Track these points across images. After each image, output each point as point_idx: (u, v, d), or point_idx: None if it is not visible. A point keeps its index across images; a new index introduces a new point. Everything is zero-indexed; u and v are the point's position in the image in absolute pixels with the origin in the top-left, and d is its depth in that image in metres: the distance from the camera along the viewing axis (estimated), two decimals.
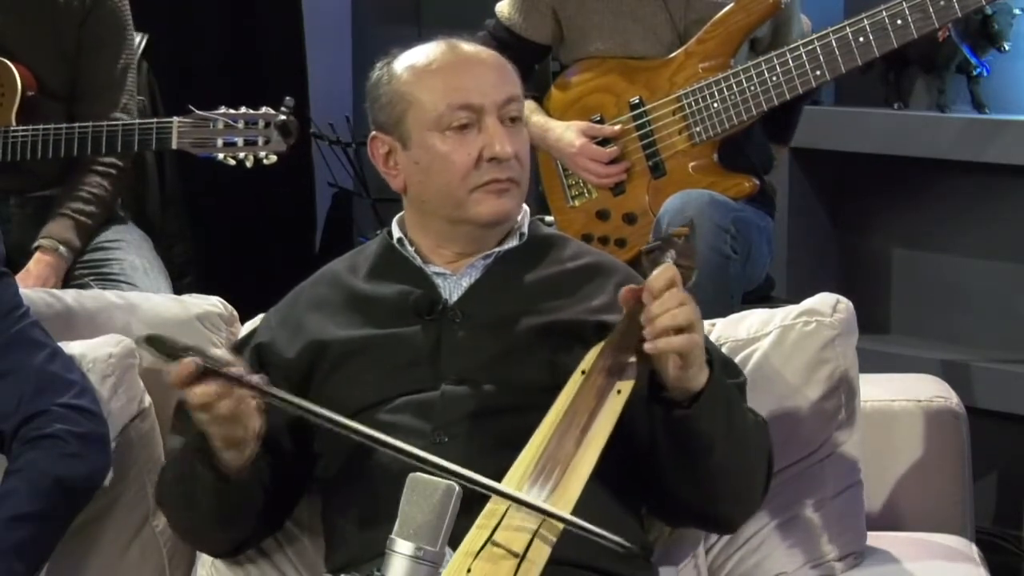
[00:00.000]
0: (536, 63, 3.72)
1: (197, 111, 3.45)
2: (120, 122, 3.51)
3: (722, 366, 2.34)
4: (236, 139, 3.45)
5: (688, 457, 2.27)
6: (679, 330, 2.18)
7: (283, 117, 3.44)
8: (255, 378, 2.21)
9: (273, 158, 3.46)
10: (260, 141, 3.45)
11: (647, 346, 2.19)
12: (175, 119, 3.46)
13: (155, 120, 3.50)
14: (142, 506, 2.63)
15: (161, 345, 2.22)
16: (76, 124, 3.49)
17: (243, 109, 3.46)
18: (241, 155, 3.46)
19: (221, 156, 3.46)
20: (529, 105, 3.57)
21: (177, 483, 2.40)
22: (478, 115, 2.39)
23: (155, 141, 3.48)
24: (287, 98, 3.48)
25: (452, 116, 2.39)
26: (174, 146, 3.47)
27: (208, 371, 2.19)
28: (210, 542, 2.51)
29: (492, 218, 2.42)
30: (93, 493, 2.50)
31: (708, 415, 2.24)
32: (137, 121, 3.53)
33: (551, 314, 2.39)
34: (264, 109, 3.46)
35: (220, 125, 3.45)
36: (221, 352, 2.26)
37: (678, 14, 3.54)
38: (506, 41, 3.59)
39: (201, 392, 2.20)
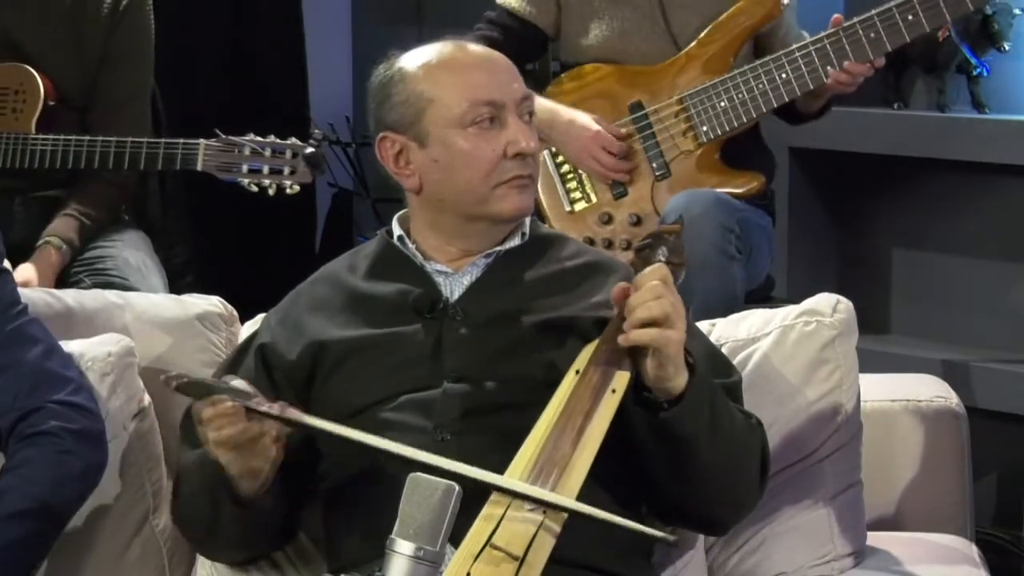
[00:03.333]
0: (536, 57, 3.69)
1: (224, 135, 3.45)
2: (144, 139, 3.51)
3: (710, 367, 2.34)
4: (262, 166, 3.45)
5: (673, 460, 2.28)
6: (654, 323, 2.18)
7: (311, 149, 3.44)
8: (292, 410, 2.21)
9: (296, 188, 3.46)
10: (286, 171, 3.45)
11: (620, 337, 2.20)
12: (202, 141, 3.46)
13: (181, 140, 3.49)
14: (142, 505, 2.63)
15: (191, 388, 2.23)
16: (99, 138, 3.49)
17: (271, 137, 3.45)
18: (265, 183, 3.45)
19: (245, 182, 3.46)
20: None
21: (197, 508, 2.40)
22: (499, 111, 2.40)
23: (180, 161, 3.48)
24: (315, 130, 3.49)
25: (476, 112, 2.39)
26: (199, 168, 3.47)
27: (247, 410, 2.20)
28: (228, 559, 2.53)
29: (514, 214, 2.43)
30: (90, 491, 2.50)
31: (689, 418, 2.24)
32: (163, 140, 3.53)
33: (551, 311, 2.39)
34: (291, 139, 3.46)
35: (247, 151, 3.45)
36: (241, 383, 2.25)
37: None
38: (508, 26, 3.58)
39: (233, 432, 2.21)
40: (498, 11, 3.65)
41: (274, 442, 2.25)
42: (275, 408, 2.21)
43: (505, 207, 2.41)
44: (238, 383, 2.25)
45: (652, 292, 2.20)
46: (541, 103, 3.52)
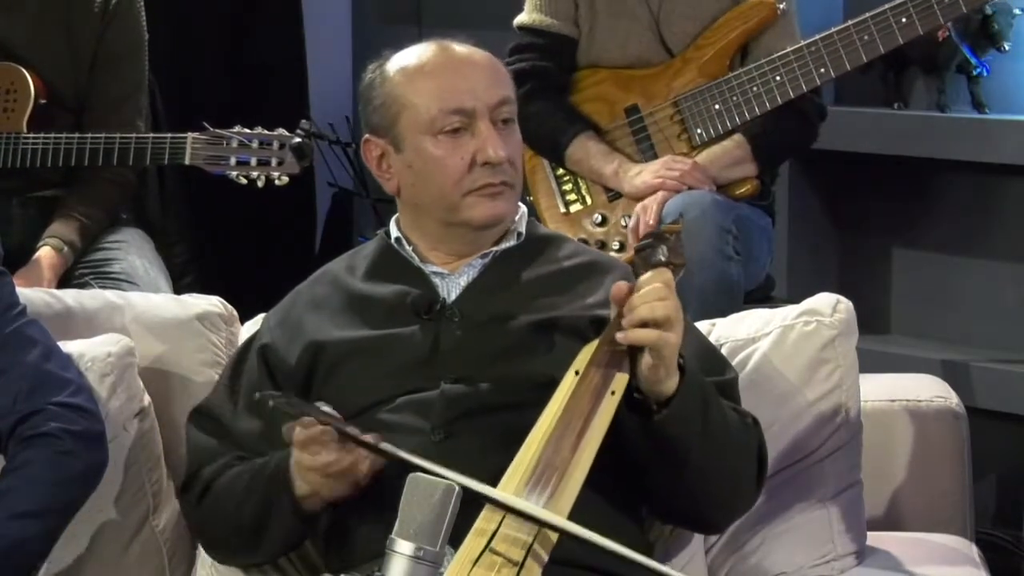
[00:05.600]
0: (570, 62, 3.61)
1: (211, 128, 3.45)
2: (133, 135, 3.51)
3: (704, 365, 2.34)
4: (250, 158, 3.45)
5: (666, 462, 2.28)
6: (655, 324, 2.18)
7: (298, 139, 3.44)
8: (371, 437, 2.21)
9: (285, 179, 3.46)
10: (274, 162, 3.45)
11: (618, 335, 2.20)
12: (189, 135, 3.46)
13: (169, 135, 3.50)
14: (142, 506, 2.62)
15: (290, 407, 2.24)
16: (88, 135, 3.49)
17: (258, 129, 3.46)
18: (254, 175, 3.46)
19: (234, 175, 3.46)
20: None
21: (242, 513, 2.38)
22: (470, 118, 2.39)
23: (168, 155, 3.48)
24: (303, 120, 3.49)
25: (444, 120, 2.38)
26: (187, 162, 3.47)
27: (342, 436, 2.21)
28: (243, 562, 2.51)
29: (486, 221, 2.42)
30: (90, 491, 2.50)
31: (680, 421, 2.24)
32: (151, 135, 3.53)
33: (548, 312, 2.39)
34: (279, 130, 3.46)
35: (234, 144, 3.45)
36: (334, 411, 2.26)
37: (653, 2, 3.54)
38: (539, 45, 3.56)
39: (328, 458, 2.22)
40: (521, 35, 3.61)
41: (369, 472, 2.25)
42: (370, 438, 2.21)
43: (475, 215, 2.41)
44: (329, 409, 2.26)
45: (656, 293, 2.20)
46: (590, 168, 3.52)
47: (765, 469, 2.40)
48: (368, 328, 2.41)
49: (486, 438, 2.29)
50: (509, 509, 2.11)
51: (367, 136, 2.46)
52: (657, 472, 2.30)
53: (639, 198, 3.49)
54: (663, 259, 2.24)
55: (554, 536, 2.12)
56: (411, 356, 2.38)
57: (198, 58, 5.19)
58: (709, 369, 2.37)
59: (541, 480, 2.16)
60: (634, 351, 2.23)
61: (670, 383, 2.23)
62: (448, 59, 2.43)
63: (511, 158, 2.41)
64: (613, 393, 2.23)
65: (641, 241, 2.29)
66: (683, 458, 2.26)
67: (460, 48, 2.45)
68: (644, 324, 2.19)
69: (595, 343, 2.26)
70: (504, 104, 2.42)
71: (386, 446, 2.21)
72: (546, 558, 2.10)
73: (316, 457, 2.24)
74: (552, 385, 2.25)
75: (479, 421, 2.32)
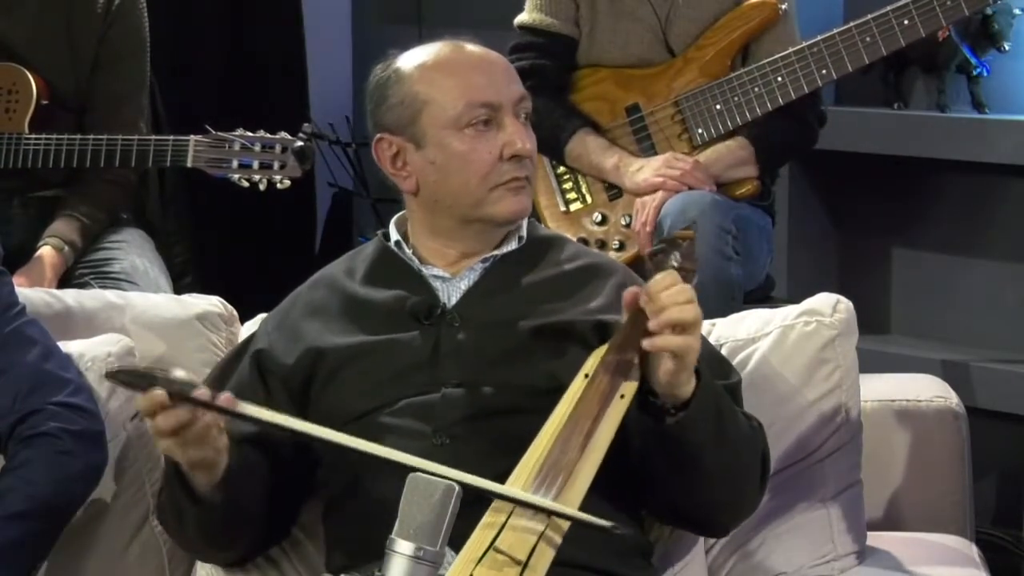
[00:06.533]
0: (570, 61, 3.61)
1: (213, 131, 3.45)
2: (136, 136, 3.51)
3: (711, 369, 2.33)
4: (252, 161, 3.45)
5: (678, 465, 2.27)
6: (682, 329, 2.17)
7: (300, 143, 3.44)
8: (224, 398, 2.18)
9: (287, 183, 3.46)
10: (276, 165, 3.44)
11: (645, 343, 2.18)
12: (192, 138, 3.46)
13: (171, 138, 3.50)
14: (142, 506, 2.62)
15: (126, 377, 2.21)
16: (91, 136, 3.49)
17: (260, 132, 3.45)
18: (256, 178, 3.45)
19: (236, 178, 3.46)
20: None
21: (166, 504, 2.40)
22: (496, 112, 2.39)
23: (170, 158, 3.48)
24: (305, 124, 3.49)
25: (472, 113, 2.38)
26: (189, 164, 3.47)
27: (176, 398, 2.17)
28: (210, 558, 2.52)
29: (511, 216, 2.42)
30: (90, 491, 2.50)
31: (697, 424, 2.23)
32: (153, 137, 3.53)
33: (549, 316, 2.38)
34: (281, 134, 3.46)
35: (236, 147, 3.45)
36: (183, 373, 2.22)
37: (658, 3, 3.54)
38: (539, 44, 3.56)
39: (167, 421, 2.18)
40: (521, 34, 3.61)
41: (218, 432, 2.22)
42: (208, 396, 2.17)
43: (501, 209, 2.40)
44: (180, 373, 2.22)
45: (684, 294, 2.18)
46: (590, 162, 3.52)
47: (768, 473, 2.39)
48: (367, 333, 2.41)
49: (487, 443, 2.28)
50: (510, 499, 2.11)
51: (380, 135, 2.45)
52: (667, 475, 2.29)
53: (639, 194, 3.49)
54: (675, 265, 2.23)
55: (558, 538, 2.11)
56: (412, 360, 2.37)
57: (198, 58, 5.19)
58: (715, 373, 2.36)
59: (547, 480, 2.15)
60: (649, 354, 2.21)
61: (688, 387, 2.22)
62: (466, 56, 2.43)
63: (532, 153, 2.41)
64: (622, 397, 2.22)
65: (654, 246, 2.28)
66: (696, 461, 2.26)
67: (473, 47, 2.45)
68: (673, 327, 2.17)
69: (605, 347, 2.25)
70: (524, 99, 2.42)
71: (225, 403, 2.17)
72: (550, 559, 2.10)
73: (157, 421, 2.19)
74: (553, 390, 2.25)
75: (481, 425, 2.31)
